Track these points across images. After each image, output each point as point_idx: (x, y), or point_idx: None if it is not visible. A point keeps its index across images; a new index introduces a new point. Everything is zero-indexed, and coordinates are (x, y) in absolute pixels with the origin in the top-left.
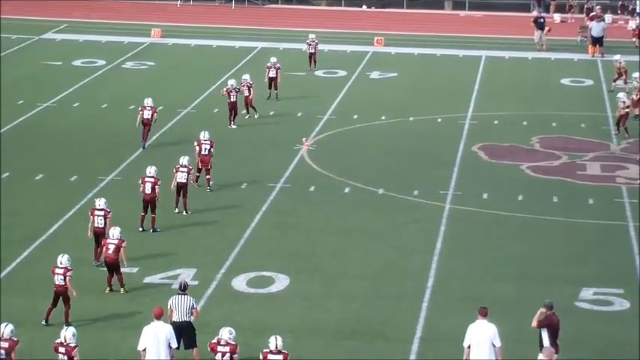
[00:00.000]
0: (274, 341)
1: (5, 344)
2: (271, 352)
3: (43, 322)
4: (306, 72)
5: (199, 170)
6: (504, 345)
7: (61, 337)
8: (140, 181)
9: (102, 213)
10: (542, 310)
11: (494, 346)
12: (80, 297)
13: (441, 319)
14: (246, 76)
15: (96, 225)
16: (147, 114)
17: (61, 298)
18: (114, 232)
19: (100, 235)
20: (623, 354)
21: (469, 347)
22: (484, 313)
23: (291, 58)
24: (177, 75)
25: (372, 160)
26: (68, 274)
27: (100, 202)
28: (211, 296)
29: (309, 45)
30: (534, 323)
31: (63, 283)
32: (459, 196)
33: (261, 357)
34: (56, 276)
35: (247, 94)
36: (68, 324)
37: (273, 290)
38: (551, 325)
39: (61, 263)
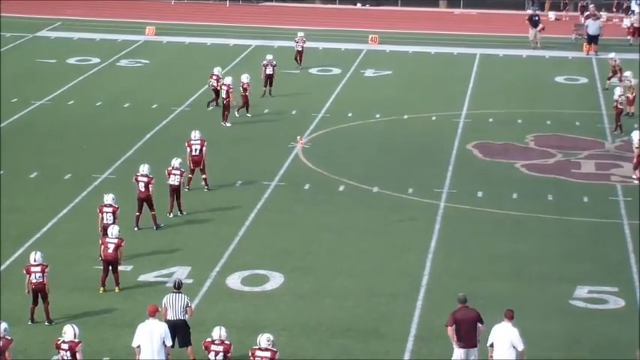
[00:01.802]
0: (260, 338)
1: None
2: (260, 348)
3: (29, 322)
4: (299, 70)
5: (192, 171)
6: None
7: (63, 335)
8: (134, 180)
9: (110, 209)
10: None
11: (515, 348)
12: (74, 295)
13: (435, 318)
14: (244, 76)
15: (105, 221)
16: (212, 82)
17: (39, 295)
18: (113, 231)
19: None
20: (618, 352)
21: (491, 346)
22: (510, 316)
23: (285, 56)
24: (172, 73)
25: (366, 158)
26: (46, 270)
27: (108, 198)
28: (206, 294)
29: (297, 43)
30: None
31: (41, 280)
32: (453, 194)
33: (250, 354)
34: (33, 274)
35: (243, 94)
36: (50, 321)
37: (268, 288)
38: (465, 319)
39: (35, 260)
